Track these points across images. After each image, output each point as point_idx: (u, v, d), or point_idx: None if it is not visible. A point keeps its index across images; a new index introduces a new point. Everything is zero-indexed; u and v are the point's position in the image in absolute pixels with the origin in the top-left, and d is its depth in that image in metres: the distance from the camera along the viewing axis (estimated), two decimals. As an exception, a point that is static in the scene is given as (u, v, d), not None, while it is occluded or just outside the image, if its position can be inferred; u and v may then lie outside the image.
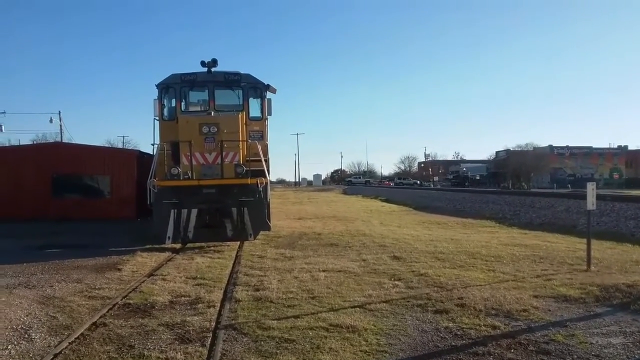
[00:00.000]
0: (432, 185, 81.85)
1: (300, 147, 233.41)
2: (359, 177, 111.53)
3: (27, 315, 6.76)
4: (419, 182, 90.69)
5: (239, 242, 13.61)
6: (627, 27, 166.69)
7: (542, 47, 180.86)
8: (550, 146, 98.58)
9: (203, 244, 13.51)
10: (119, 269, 10.12)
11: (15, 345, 5.65)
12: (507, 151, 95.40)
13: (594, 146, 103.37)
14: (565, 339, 5.65)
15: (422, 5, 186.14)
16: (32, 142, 58.41)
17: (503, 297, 7.37)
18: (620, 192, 40.86)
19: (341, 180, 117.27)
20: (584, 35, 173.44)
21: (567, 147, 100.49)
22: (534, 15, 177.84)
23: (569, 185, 68.72)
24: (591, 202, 9.91)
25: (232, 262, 11.13)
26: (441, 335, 5.94)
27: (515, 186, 73.93)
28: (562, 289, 7.90)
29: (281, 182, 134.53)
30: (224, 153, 13.51)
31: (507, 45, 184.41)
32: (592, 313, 6.74)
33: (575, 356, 5.18)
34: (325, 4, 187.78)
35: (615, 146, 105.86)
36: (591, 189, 9.94)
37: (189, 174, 13.35)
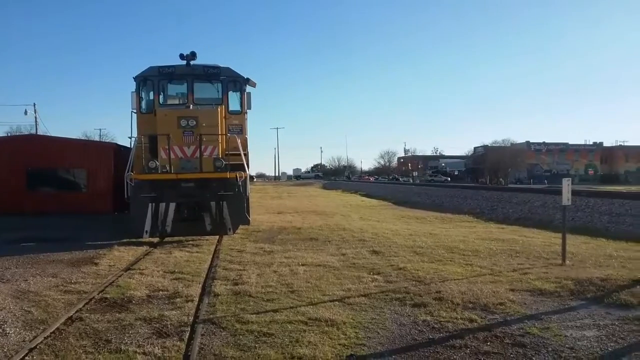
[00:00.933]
0: (411, 181, 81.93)
1: (280, 141, 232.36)
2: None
3: (1, 310, 6.64)
4: (449, 179, 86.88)
5: (218, 237, 13.53)
6: (606, 24, 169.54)
7: (521, 45, 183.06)
8: (527, 142, 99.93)
9: (181, 238, 13.41)
10: (96, 263, 9.99)
11: (-12, 340, 5.55)
12: (485, 147, 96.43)
13: (570, 142, 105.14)
14: (540, 332, 5.73)
15: (402, 4, 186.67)
16: (6, 135, 57.32)
17: (480, 291, 7.46)
18: (595, 187, 41.64)
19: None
20: (562, 34, 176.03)
21: (544, 144, 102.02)
22: (514, 15, 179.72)
23: (546, 180, 69.75)
24: (567, 198, 10.07)
25: (211, 256, 11.06)
26: (419, 328, 5.99)
27: (493, 182, 74.76)
28: (537, 283, 8.01)
29: (261, 176, 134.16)
30: (202, 147, 13.42)
31: (486, 44, 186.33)
32: (566, 306, 6.85)
33: (550, 348, 5.26)
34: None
35: (591, 143, 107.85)
36: (567, 185, 10.10)
37: (167, 168, 13.22)
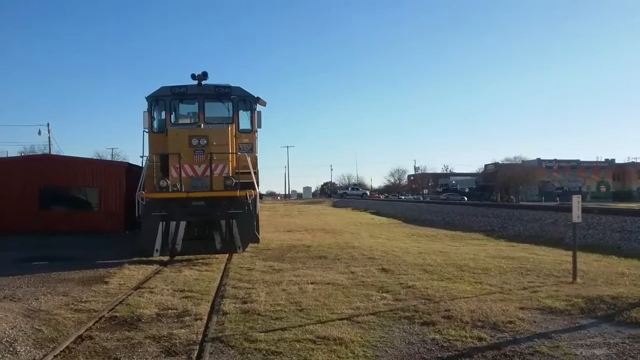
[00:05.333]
0: (421, 198, 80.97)
1: (290, 160, 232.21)
2: (355, 189, 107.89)
3: (12, 328, 6.69)
4: (465, 198, 79.77)
5: (227, 255, 13.56)
6: (612, 44, 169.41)
7: (531, 62, 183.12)
8: (539, 159, 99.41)
9: (191, 256, 13.44)
10: (106, 282, 10.05)
11: (0, 358, 5.60)
12: (496, 164, 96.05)
13: (581, 159, 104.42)
14: (549, 350, 5.69)
15: (414, 23, 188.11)
16: (20, 154, 58.05)
17: (489, 309, 7.42)
18: (607, 205, 41.25)
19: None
20: (571, 51, 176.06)
21: (555, 161, 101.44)
22: (523, 32, 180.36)
23: (558, 198, 69.17)
24: (577, 215, 10.02)
25: (220, 274, 11.09)
26: (428, 347, 5.97)
27: (504, 199, 74.22)
28: (547, 301, 7.96)
29: (271, 194, 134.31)
30: (213, 165, 13.54)
31: (496, 61, 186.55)
32: (576, 325, 6.80)
33: (560, 367, 5.23)
34: (319, 20, 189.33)
35: (603, 159, 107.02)
36: (577, 202, 10.05)
37: (178, 187, 13.33)
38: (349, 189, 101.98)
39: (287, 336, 6.30)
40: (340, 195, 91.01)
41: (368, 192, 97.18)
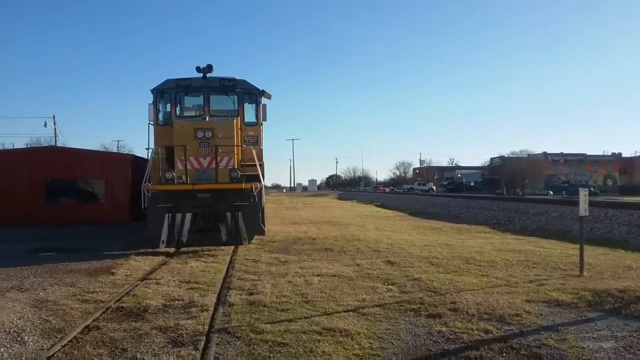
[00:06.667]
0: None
1: (295, 152, 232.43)
2: (422, 184, 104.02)
3: (19, 319, 6.73)
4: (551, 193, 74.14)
5: (233, 247, 13.59)
6: (622, 37, 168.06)
7: (538, 56, 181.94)
8: (545, 153, 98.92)
9: (197, 248, 13.48)
10: (113, 273, 10.09)
11: (7, 348, 5.63)
12: (502, 158, 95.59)
13: (588, 153, 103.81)
14: (556, 343, 5.67)
15: (421, 17, 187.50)
16: (26, 146, 58.26)
17: (496, 302, 7.40)
18: (613, 198, 41.05)
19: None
20: (579, 44, 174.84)
21: (561, 154, 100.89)
22: (531, 25, 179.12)
23: (564, 192, 68.78)
24: (583, 209, 9.96)
25: (226, 266, 11.11)
26: (434, 339, 5.95)
27: (510, 192, 73.88)
28: (554, 294, 7.93)
29: (276, 187, 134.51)
30: (218, 158, 13.54)
31: (503, 54, 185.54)
32: (584, 318, 6.78)
33: (567, 360, 5.20)
34: (326, 12, 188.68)
35: (609, 153, 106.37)
36: (583, 196, 9.99)
37: (184, 179, 13.35)
38: (416, 183, 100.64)
39: (293, 327, 6.31)
40: (407, 189, 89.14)
41: (434, 188, 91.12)
